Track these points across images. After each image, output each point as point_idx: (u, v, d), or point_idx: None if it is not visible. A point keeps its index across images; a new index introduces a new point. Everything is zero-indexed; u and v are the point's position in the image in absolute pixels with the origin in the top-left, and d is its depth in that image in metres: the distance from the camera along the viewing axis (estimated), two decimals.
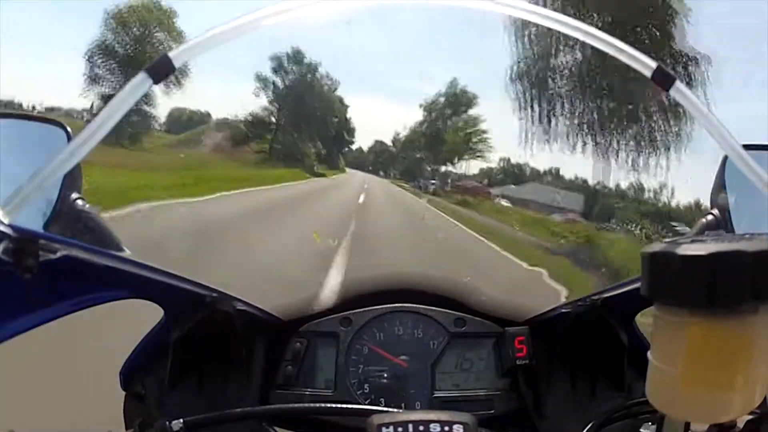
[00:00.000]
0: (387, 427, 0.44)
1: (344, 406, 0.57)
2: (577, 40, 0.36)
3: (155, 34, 10.98)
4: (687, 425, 0.43)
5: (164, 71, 0.34)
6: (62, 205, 0.54)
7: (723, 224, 0.60)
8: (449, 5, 0.38)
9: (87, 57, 10.77)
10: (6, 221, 0.31)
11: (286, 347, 0.72)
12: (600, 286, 0.65)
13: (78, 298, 0.40)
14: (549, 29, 0.38)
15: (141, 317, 0.58)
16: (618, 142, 10.00)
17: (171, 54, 0.34)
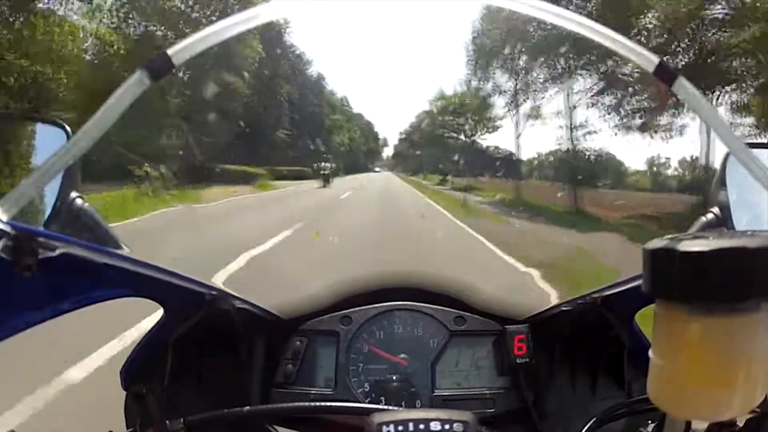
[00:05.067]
0: (388, 426, 0.44)
1: (345, 404, 0.56)
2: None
3: None
4: (688, 423, 0.43)
5: (163, 69, 0.34)
6: (62, 203, 0.54)
7: (723, 221, 0.60)
8: (449, 3, 0.38)
9: None
10: (5, 219, 0.31)
11: (286, 346, 0.72)
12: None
13: (77, 297, 0.40)
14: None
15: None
16: None
17: (170, 51, 0.34)
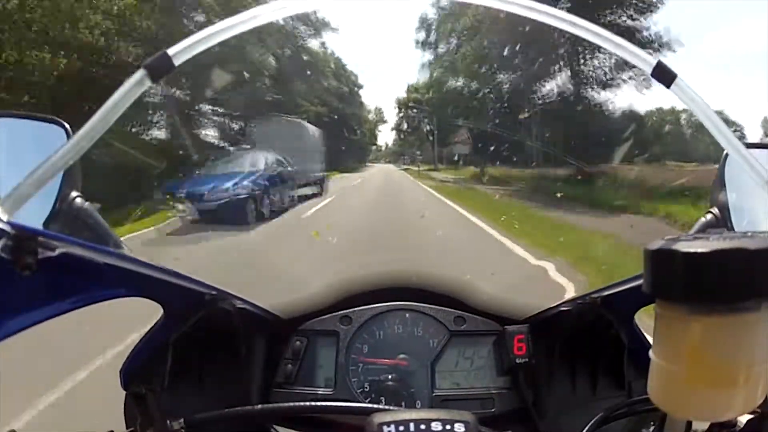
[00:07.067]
0: (388, 426, 0.44)
1: (345, 404, 0.56)
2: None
3: None
4: (689, 424, 0.43)
5: (163, 69, 0.34)
6: (62, 203, 0.54)
7: (723, 222, 0.60)
8: (450, 1, 0.38)
9: None
10: (5, 219, 0.31)
11: (286, 345, 0.72)
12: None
13: (77, 296, 0.40)
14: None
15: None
16: None
17: (170, 51, 0.34)
